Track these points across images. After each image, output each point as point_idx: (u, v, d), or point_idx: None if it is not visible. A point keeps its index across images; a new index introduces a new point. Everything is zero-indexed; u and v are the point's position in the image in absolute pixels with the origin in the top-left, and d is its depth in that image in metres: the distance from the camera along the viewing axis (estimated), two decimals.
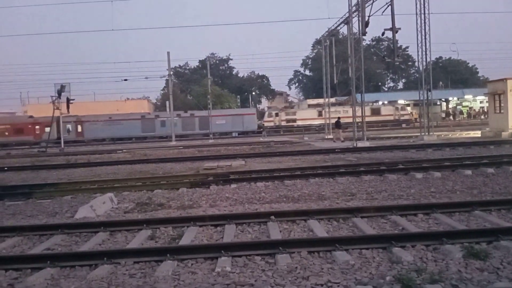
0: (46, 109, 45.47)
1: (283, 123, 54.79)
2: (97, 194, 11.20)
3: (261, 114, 56.45)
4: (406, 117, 55.29)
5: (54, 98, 36.65)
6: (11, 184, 14.11)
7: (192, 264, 5.54)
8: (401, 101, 58.21)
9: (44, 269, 5.48)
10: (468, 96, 63.07)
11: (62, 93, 35.79)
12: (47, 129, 45.15)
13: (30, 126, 50.18)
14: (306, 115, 55.14)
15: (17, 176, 17.28)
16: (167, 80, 51.45)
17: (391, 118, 54.65)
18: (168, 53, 42.26)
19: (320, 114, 51.86)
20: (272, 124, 53.91)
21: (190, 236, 6.83)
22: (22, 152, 35.83)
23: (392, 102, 58.59)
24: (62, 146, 37.88)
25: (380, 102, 59.23)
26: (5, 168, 19.73)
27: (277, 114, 55.72)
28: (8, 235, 7.37)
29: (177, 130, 49.14)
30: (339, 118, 33.79)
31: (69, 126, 49.63)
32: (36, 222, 8.61)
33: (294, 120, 55.05)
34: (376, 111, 54.72)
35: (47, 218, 9.08)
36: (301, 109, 60.69)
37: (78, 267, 5.60)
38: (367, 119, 51.75)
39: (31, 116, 52.56)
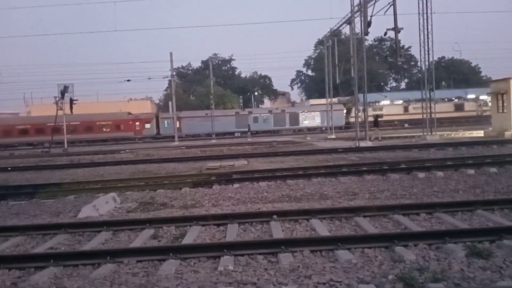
0: (49, 110, 45.78)
1: (370, 119, 54.56)
2: (100, 193, 11.24)
3: (347, 110, 56.13)
4: (488, 113, 55.07)
5: (57, 98, 36.77)
6: (14, 184, 14.16)
7: (194, 263, 5.56)
8: (483, 97, 57.09)
9: (47, 268, 5.51)
10: (471, 96, 62.83)
11: (66, 94, 35.92)
12: (147, 125, 49.13)
13: (130, 122, 52.06)
14: (392, 111, 54.85)
15: (20, 176, 17.34)
16: (169, 80, 51.69)
17: (474, 114, 54.41)
18: (171, 53, 42.37)
19: (406, 109, 53.11)
20: (359, 119, 53.90)
21: (193, 235, 6.84)
22: (26, 153, 35.94)
23: (475, 98, 58.13)
24: (66, 146, 37.94)
25: (470, 96, 58.60)
26: (9, 168, 19.81)
27: (364, 110, 55.63)
28: (12, 235, 7.41)
29: (268, 126, 51.88)
30: (377, 116, 33.58)
31: (168, 121, 51.23)
32: (39, 222, 8.65)
33: (381, 116, 54.63)
34: (459, 107, 54.65)
35: (51, 218, 9.12)
36: (387, 104, 59.64)
37: (81, 266, 5.62)
38: (449, 115, 51.62)
39: (129, 113, 54.62)
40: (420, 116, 52.30)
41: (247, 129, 46.70)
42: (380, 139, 29.64)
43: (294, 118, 53.17)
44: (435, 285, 4.40)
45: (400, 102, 57.90)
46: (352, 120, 51.25)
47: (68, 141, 46.77)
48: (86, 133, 50.71)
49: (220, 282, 4.83)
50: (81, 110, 47.21)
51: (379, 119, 32.64)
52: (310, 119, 53.69)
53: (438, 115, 53.60)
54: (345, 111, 54.58)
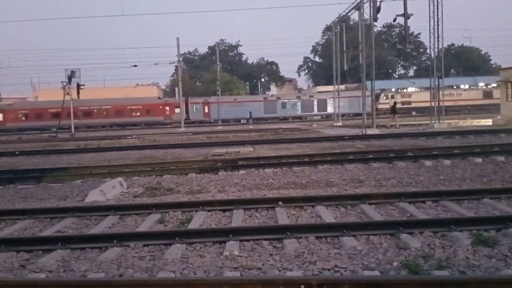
0: (57, 95, 46.20)
1: (398, 105, 54.40)
2: (107, 178, 11.32)
3: (376, 96, 56.14)
4: None
5: (64, 83, 36.89)
6: (22, 168, 14.29)
7: (200, 248, 5.60)
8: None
9: (55, 251, 5.58)
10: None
11: (72, 79, 36.02)
12: (177, 110, 49.63)
13: (160, 107, 53.23)
14: (421, 97, 54.00)
15: (28, 160, 17.49)
16: (176, 66, 51.69)
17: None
18: (178, 39, 42.24)
19: (434, 96, 52.26)
20: (387, 106, 53.93)
21: (199, 220, 6.89)
22: (33, 137, 36.21)
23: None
24: (73, 131, 38.17)
25: (494, 84, 58.15)
26: (17, 153, 20.00)
27: (392, 96, 55.21)
28: (20, 218, 7.51)
29: (296, 112, 52.53)
30: (395, 103, 33.29)
31: (197, 107, 52.65)
32: (47, 205, 8.74)
33: (409, 103, 54.45)
34: (488, 94, 53.85)
35: (58, 202, 9.21)
36: (416, 91, 59.39)
37: (88, 249, 5.69)
38: (477, 102, 51.09)
39: (160, 98, 56.18)
40: (448, 103, 52.65)
41: (249, 116, 46.81)
42: (398, 126, 29.40)
43: (323, 104, 53.25)
44: (440, 273, 4.40)
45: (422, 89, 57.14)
46: (380, 106, 51.28)
47: (100, 125, 48.28)
48: (117, 117, 51.86)
49: (225, 267, 4.87)
50: (88, 95, 47.51)
51: (396, 105, 32.17)
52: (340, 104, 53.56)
53: (466, 102, 53.48)
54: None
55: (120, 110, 52.31)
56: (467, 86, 57.79)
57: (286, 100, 54.56)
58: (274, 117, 53.45)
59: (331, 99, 51.54)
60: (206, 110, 53.57)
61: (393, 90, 57.49)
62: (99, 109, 51.76)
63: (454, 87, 58.73)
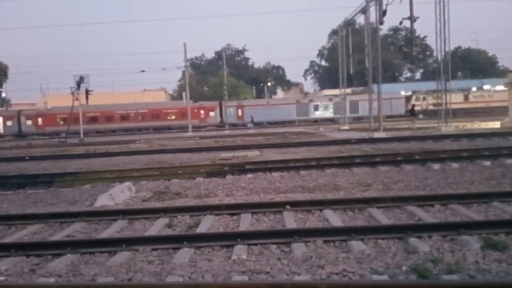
0: (65, 100, 46.69)
1: (430, 107, 54.25)
2: (115, 183, 11.38)
3: (407, 98, 56.11)
4: None
5: (73, 89, 37.20)
6: (32, 173, 14.41)
7: (208, 252, 5.62)
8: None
9: (64, 255, 5.63)
10: (487, 87, 61.64)
11: (81, 84, 36.33)
12: (212, 113, 51.82)
13: (196, 110, 53.26)
14: (454, 99, 54.43)
15: (38, 165, 17.63)
16: (183, 71, 51.91)
17: None
18: (185, 44, 42.45)
19: (466, 98, 52.88)
20: (419, 108, 53.90)
21: (207, 224, 6.91)
22: (43, 143, 36.51)
23: None
24: (82, 136, 38.43)
25: None
26: (27, 158, 20.17)
27: (424, 98, 55.55)
28: (30, 223, 7.57)
29: (328, 114, 52.88)
30: (413, 105, 33.12)
31: (231, 110, 53.44)
32: (56, 210, 8.81)
33: (441, 104, 54.26)
34: None
35: (68, 206, 9.28)
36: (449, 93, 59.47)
37: (97, 254, 5.73)
38: (505, 103, 50.98)
39: (195, 101, 56.58)
40: (480, 105, 52.32)
41: (250, 120, 46.95)
42: (415, 129, 29.27)
43: (354, 106, 53.31)
44: (449, 277, 4.38)
45: (457, 90, 56.80)
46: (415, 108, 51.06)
47: (136, 128, 49.26)
48: (153, 120, 52.83)
49: (233, 271, 4.88)
50: (96, 100, 47.95)
51: (414, 107, 32.00)
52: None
53: (496, 104, 53.08)
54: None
55: (156, 113, 53.17)
56: (501, 87, 57.16)
57: (318, 103, 54.85)
58: (306, 120, 53.81)
59: (363, 101, 51.62)
60: (240, 113, 54.23)
61: (424, 91, 57.05)
62: (135, 113, 52.80)
63: (488, 87, 58.06)
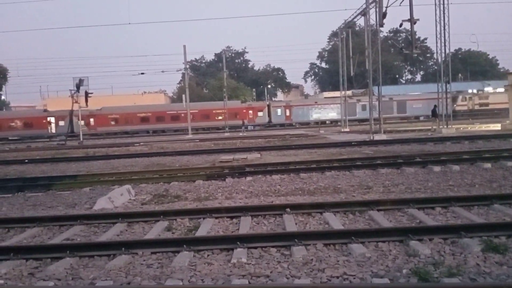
0: (65, 103, 46.90)
1: (476, 107, 54.44)
2: (115, 186, 11.36)
3: (453, 98, 56.11)
4: None
5: (73, 91, 37.23)
6: (31, 176, 14.39)
7: (208, 255, 5.58)
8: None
9: (63, 258, 5.59)
10: (488, 89, 61.63)
11: (81, 87, 36.35)
12: (260, 114, 53.44)
13: (244, 110, 55.32)
14: (500, 99, 53.11)
15: (37, 168, 17.62)
16: (183, 73, 52.18)
17: None
18: (184, 46, 42.55)
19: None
20: (465, 108, 53.77)
21: (206, 227, 6.88)
22: (42, 145, 36.52)
23: None
24: (81, 139, 38.45)
25: None
26: (26, 161, 20.15)
27: (470, 98, 55.37)
28: (29, 226, 7.53)
29: (375, 114, 51.40)
30: (435, 106, 32.94)
31: (278, 110, 54.44)
32: (55, 213, 8.77)
33: (487, 104, 54.28)
34: None
35: (67, 209, 9.25)
36: (495, 92, 58.28)
37: (96, 257, 5.70)
38: None
39: (244, 101, 58.81)
40: (503, 106, 52.04)
41: (242, 124, 47.26)
42: (433, 130, 29.25)
43: (402, 106, 53.57)
44: (450, 280, 4.35)
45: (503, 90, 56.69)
46: (458, 108, 51.12)
47: (186, 128, 49.76)
48: (203, 120, 53.70)
49: (233, 275, 4.85)
50: (96, 103, 48.10)
51: (436, 108, 31.87)
52: (415, 107, 54.07)
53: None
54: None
55: (206, 114, 53.98)
56: None
57: (366, 103, 54.71)
58: (354, 119, 53.49)
59: (410, 101, 51.53)
60: (288, 113, 54.74)
61: (470, 91, 56.99)
62: (186, 113, 52.80)
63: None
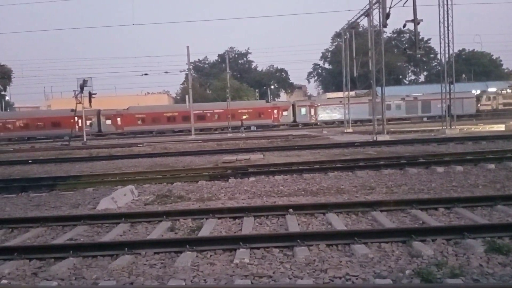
0: (69, 103, 47.19)
1: (500, 107, 54.34)
2: (118, 186, 11.39)
3: (477, 98, 56.05)
4: None
5: (76, 92, 37.36)
6: (35, 176, 14.45)
7: (211, 256, 5.59)
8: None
9: (67, 258, 5.61)
10: (492, 89, 61.48)
11: (85, 88, 36.47)
12: (285, 113, 53.99)
13: (269, 110, 55.88)
14: None
15: (41, 168, 17.69)
16: (186, 74, 52.17)
17: None
18: (188, 47, 42.55)
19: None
20: (489, 108, 53.72)
21: (209, 228, 6.88)
22: (46, 146, 36.65)
23: None
24: (85, 139, 38.56)
25: None
26: (30, 161, 20.23)
27: (494, 98, 55.39)
28: (32, 226, 7.57)
29: (401, 114, 53.39)
30: (449, 106, 32.81)
31: (303, 109, 55.20)
32: (59, 213, 8.79)
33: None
34: None
35: (70, 209, 9.28)
36: None
37: (99, 257, 5.71)
38: None
39: (267, 101, 59.80)
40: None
41: (241, 125, 47.31)
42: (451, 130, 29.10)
43: (426, 106, 53.71)
44: (453, 281, 4.34)
45: None
46: (482, 108, 50.96)
47: (212, 128, 52.31)
48: (230, 120, 53.89)
49: (236, 275, 4.85)
50: (99, 103, 48.36)
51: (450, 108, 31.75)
52: (440, 106, 54.00)
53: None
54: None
55: (232, 113, 53.96)
56: None
57: (391, 102, 54.66)
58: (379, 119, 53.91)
59: (434, 101, 51.62)
60: (312, 112, 55.17)
61: (494, 90, 56.83)
62: (212, 113, 54.23)
63: None
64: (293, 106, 56.11)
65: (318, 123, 53.70)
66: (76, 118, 49.58)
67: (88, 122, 52.04)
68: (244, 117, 53.50)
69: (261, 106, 57.08)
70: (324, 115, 54.93)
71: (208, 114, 53.60)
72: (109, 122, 54.14)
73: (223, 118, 52.89)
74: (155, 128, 52.76)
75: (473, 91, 56.88)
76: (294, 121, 55.03)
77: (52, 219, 7.77)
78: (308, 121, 54.59)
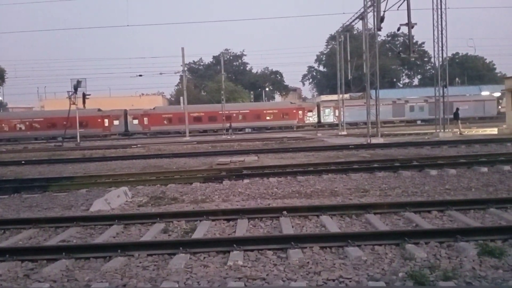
0: (62, 104, 47.04)
1: None
2: (111, 187, 11.34)
3: (498, 100, 55.94)
4: None
5: (70, 93, 37.16)
6: (28, 178, 14.35)
7: (204, 258, 5.58)
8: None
9: (59, 260, 5.58)
10: (485, 93, 61.87)
11: (79, 88, 36.28)
12: (309, 114, 54.58)
13: (294, 111, 56.39)
14: None
15: (34, 169, 17.57)
16: (181, 76, 52.07)
17: None
18: (183, 49, 42.48)
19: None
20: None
21: (203, 230, 6.87)
22: (39, 147, 36.42)
23: None
24: (78, 140, 38.35)
25: None
26: (23, 162, 20.08)
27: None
28: (25, 227, 7.51)
29: (424, 115, 53.30)
30: (457, 108, 32.84)
31: (328, 110, 55.57)
32: (52, 215, 8.75)
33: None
34: None
35: (63, 211, 9.23)
36: None
37: (92, 259, 5.68)
38: None
39: (292, 102, 59.79)
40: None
41: (230, 127, 46.94)
42: (460, 133, 29.22)
43: (449, 107, 53.72)
44: (446, 283, 4.36)
45: None
46: (503, 110, 51.10)
47: (238, 128, 51.91)
48: (254, 121, 55.04)
49: (229, 277, 4.84)
50: (93, 105, 48.24)
51: (458, 111, 31.83)
52: (463, 108, 54.04)
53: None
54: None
55: (257, 114, 54.89)
56: None
57: (414, 104, 55.10)
58: (402, 120, 54.46)
59: (456, 102, 51.76)
60: (337, 113, 54.83)
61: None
62: (237, 114, 54.56)
63: None
64: (318, 107, 56.45)
65: (343, 124, 53.71)
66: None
67: (115, 122, 53.28)
68: (268, 117, 54.03)
69: (286, 107, 57.44)
70: (346, 116, 54.93)
71: (234, 115, 53.76)
72: (136, 121, 54.43)
73: (250, 119, 53.74)
74: (182, 128, 52.80)
75: (493, 94, 56.84)
76: (319, 122, 55.25)
77: (44, 221, 7.73)
78: (333, 122, 54.24)
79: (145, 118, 54.31)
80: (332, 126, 53.13)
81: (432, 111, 53.14)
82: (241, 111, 55.02)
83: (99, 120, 53.89)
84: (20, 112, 65.04)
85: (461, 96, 56.09)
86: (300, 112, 56.03)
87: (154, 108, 56.10)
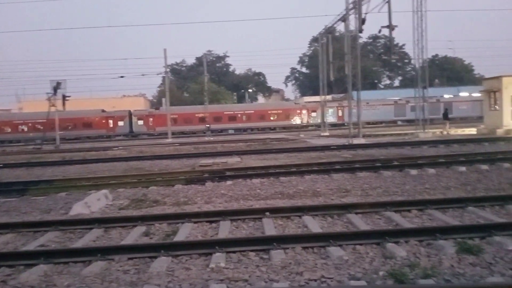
0: (41, 106, 46.07)
1: None
2: (92, 191, 11.16)
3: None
4: None
5: (50, 95, 36.47)
6: (5, 181, 14.03)
7: (186, 260, 5.54)
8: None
9: (37, 265, 5.47)
10: (464, 94, 63.09)
11: (58, 90, 35.63)
12: (314, 114, 54.29)
13: (298, 111, 56.30)
14: None
15: (12, 173, 17.20)
16: (163, 77, 51.73)
17: None
18: (165, 50, 42.21)
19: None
20: None
21: (185, 232, 6.83)
22: (17, 149, 35.68)
23: None
24: (58, 143, 37.68)
25: None
26: (0, 165, 19.63)
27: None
28: (2, 232, 7.35)
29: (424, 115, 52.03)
30: (446, 109, 33.20)
31: (331, 110, 54.90)
32: (30, 219, 8.57)
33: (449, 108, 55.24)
34: None
35: (42, 215, 9.06)
36: None
37: (72, 264, 5.59)
38: None
39: (297, 103, 59.60)
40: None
41: (208, 128, 46.90)
42: (447, 132, 29.62)
43: (448, 108, 54.29)
44: (425, 281, 4.42)
45: None
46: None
47: (242, 128, 51.66)
48: (259, 121, 54.64)
49: (211, 279, 4.82)
50: (74, 106, 47.37)
51: (448, 111, 32.29)
52: (461, 108, 54.70)
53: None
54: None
55: (261, 114, 54.56)
56: None
57: (415, 104, 55.19)
58: (403, 120, 54.29)
59: (455, 103, 51.76)
60: (340, 113, 55.11)
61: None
62: (242, 114, 54.41)
63: None
64: (322, 107, 56.46)
65: (346, 124, 54.08)
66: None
67: (120, 123, 52.73)
68: (272, 118, 54.11)
69: (290, 107, 57.71)
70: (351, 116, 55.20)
71: (239, 115, 53.91)
72: (141, 122, 53.95)
73: (254, 119, 53.68)
74: (187, 129, 52.59)
75: (472, 94, 57.83)
76: (322, 121, 55.56)
77: (22, 225, 7.59)
78: (336, 122, 54.35)
79: (150, 119, 53.92)
80: (335, 125, 53.22)
81: (432, 111, 54.20)
82: (246, 112, 55.15)
83: (104, 121, 53.33)
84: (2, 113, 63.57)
85: (460, 97, 57.38)
86: (304, 111, 56.30)
87: (158, 109, 55.65)
